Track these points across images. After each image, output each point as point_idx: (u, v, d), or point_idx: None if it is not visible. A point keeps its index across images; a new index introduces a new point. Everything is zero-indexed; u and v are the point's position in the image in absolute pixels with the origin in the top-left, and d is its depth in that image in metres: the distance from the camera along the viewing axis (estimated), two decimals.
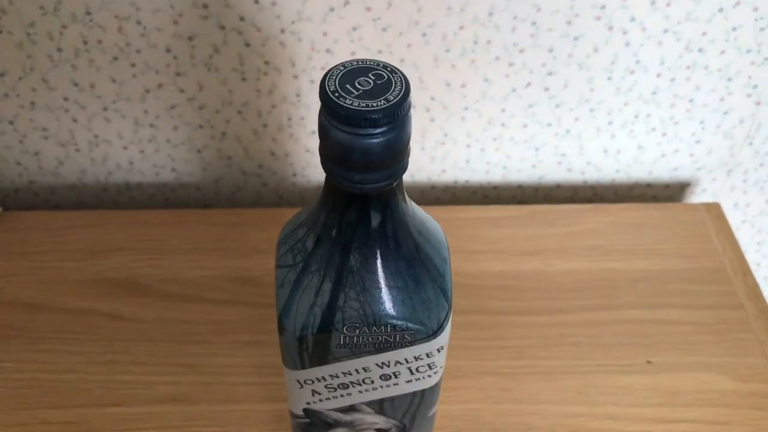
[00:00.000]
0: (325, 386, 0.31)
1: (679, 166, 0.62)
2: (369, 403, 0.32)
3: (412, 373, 0.31)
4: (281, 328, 0.29)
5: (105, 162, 0.59)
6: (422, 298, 0.28)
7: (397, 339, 0.29)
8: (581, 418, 0.47)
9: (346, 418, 0.33)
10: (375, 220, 0.26)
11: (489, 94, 0.55)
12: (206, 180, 0.60)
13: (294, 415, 0.34)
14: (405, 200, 0.28)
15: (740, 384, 0.49)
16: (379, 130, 0.23)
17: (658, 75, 0.55)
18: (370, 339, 0.29)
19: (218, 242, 0.56)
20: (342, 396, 0.32)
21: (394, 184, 0.26)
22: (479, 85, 0.55)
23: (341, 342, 0.29)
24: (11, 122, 0.56)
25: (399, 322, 0.28)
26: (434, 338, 0.29)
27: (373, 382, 0.31)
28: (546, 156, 0.60)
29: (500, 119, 0.57)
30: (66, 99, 0.54)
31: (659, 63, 0.54)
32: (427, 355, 0.30)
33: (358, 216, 0.26)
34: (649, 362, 0.50)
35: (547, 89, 0.55)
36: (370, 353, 0.29)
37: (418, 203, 0.61)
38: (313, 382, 0.31)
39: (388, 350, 0.29)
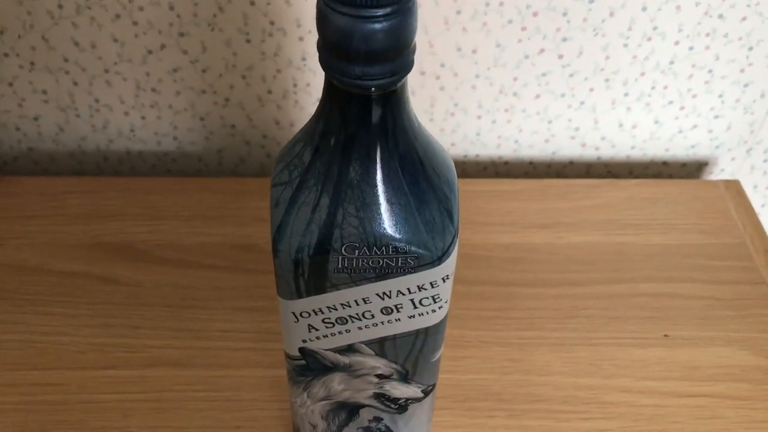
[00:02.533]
0: (323, 320, 0.29)
1: (696, 143, 0.60)
2: (369, 344, 0.30)
3: (415, 306, 0.29)
4: (275, 251, 0.27)
5: (106, 129, 0.57)
6: (426, 218, 0.26)
7: (399, 263, 0.27)
8: (594, 390, 0.45)
9: (345, 360, 0.31)
10: (377, 127, 0.25)
11: (501, 60, 0.54)
12: (209, 150, 0.59)
13: (289, 357, 0.32)
14: (410, 112, 0.26)
15: (763, 360, 0.47)
16: (381, 12, 0.21)
17: (676, 43, 0.53)
18: (370, 263, 0.27)
19: (219, 210, 0.54)
20: (340, 333, 0.30)
21: (398, 84, 0.24)
22: (491, 50, 0.53)
23: (339, 265, 0.27)
24: (11, 84, 0.54)
25: (401, 243, 0.26)
26: (439, 264, 0.27)
27: (373, 316, 0.29)
28: (559, 130, 0.58)
29: (512, 88, 0.55)
30: (66, 60, 0.53)
31: (677, 30, 0.52)
32: (432, 285, 0.28)
33: (358, 122, 0.24)
34: (666, 336, 0.48)
35: (561, 56, 0.54)
36: (370, 280, 0.27)
37: None
38: (309, 314, 0.29)
39: (390, 277, 0.27)
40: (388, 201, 0.26)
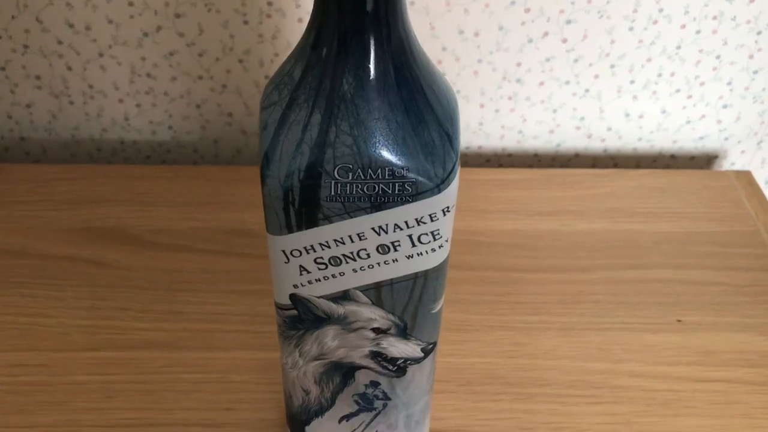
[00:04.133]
0: (315, 260, 0.27)
1: (705, 134, 0.58)
2: (365, 290, 0.28)
3: (413, 244, 0.27)
4: (263, 177, 0.25)
5: (99, 117, 0.56)
6: (425, 140, 0.25)
7: (396, 190, 0.25)
8: (604, 375, 0.43)
9: (339, 310, 0.29)
10: (371, 34, 0.23)
11: (504, 44, 0.53)
12: (205, 140, 0.57)
13: (279, 308, 0.30)
14: (407, 23, 0.24)
15: None
16: None
17: (683, 26, 0.52)
18: (364, 189, 0.25)
19: (213, 196, 0.52)
20: (334, 276, 0.28)
21: None
22: (494, 33, 0.52)
23: (332, 192, 0.25)
24: (3, 68, 0.53)
25: (398, 167, 0.24)
26: (438, 193, 0.25)
27: (369, 256, 0.27)
28: (564, 119, 0.57)
29: (515, 74, 0.54)
30: (60, 42, 0.52)
31: (683, 12, 0.51)
32: (431, 218, 0.26)
33: (351, 28, 0.23)
34: (678, 321, 0.46)
35: (565, 40, 0.52)
36: (365, 211, 0.26)
37: None
38: (300, 253, 0.27)
39: (386, 207, 0.25)
40: (385, 117, 0.24)
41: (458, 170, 0.26)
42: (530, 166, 0.59)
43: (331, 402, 0.33)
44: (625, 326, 0.45)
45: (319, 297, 0.29)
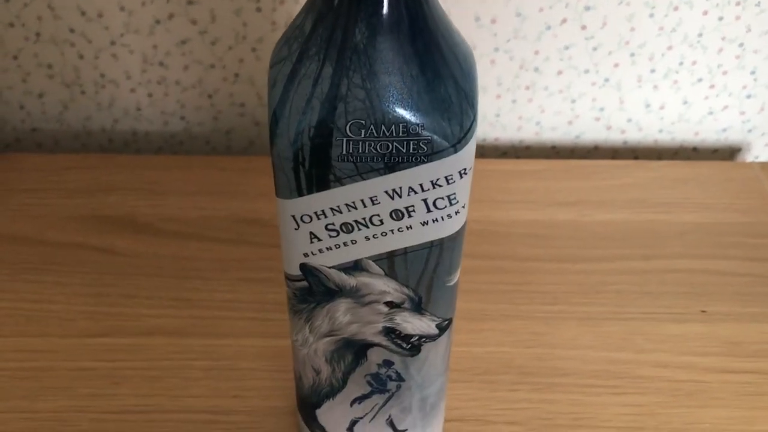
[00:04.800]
0: (326, 227, 0.26)
1: (728, 126, 0.57)
2: (378, 260, 0.27)
3: (428, 209, 0.26)
4: (272, 137, 0.24)
5: (111, 107, 0.55)
6: (441, 95, 0.24)
7: (411, 149, 0.24)
8: (627, 365, 0.41)
9: (351, 282, 0.28)
10: None
11: (521, 32, 0.51)
12: (217, 132, 0.57)
13: (289, 279, 0.28)
14: None
15: None
16: None
17: (705, 12, 0.51)
18: (377, 148, 0.24)
19: (225, 186, 0.51)
20: (345, 245, 0.27)
21: None
22: (511, 20, 0.51)
23: (344, 151, 0.24)
24: (15, 57, 0.53)
25: (412, 122, 0.23)
26: (455, 153, 0.24)
27: (382, 222, 0.26)
28: (583, 110, 0.55)
29: (533, 63, 0.53)
30: (72, 30, 0.52)
31: None
32: (447, 181, 0.25)
33: None
34: (703, 311, 0.44)
35: (584, 27, 0.51)
36: (378, 173, 0.24)
37: None
38: (311, 219, 0.26)
39: (400, 168, 0.24)
40: (399, 70, 0.23)
41: (476, 130, 0.25)
42: (548, 158, 0.58)
43: (343, 383, 0.32)
44: (649, 316, 0.44)
45: (330, 267, 0.28)
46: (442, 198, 0.26)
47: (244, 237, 0.48)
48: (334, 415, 0.33)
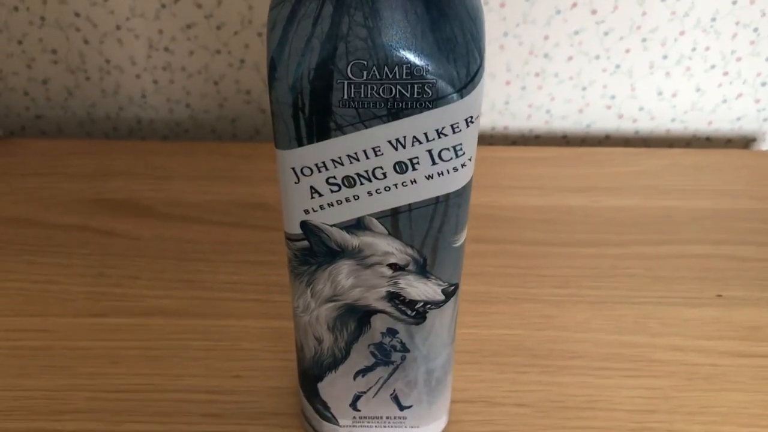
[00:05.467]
0: (327, 181, 0.25)
1: (742, 115, 0.55)
2: (381, 218, 0.26)
3: (433, 161, 0.25)
4: (271, 81, 0.23)
5: (116, 94, 0.55)
6: (446, 35, 0.23)
7: (415, 93, 0.23)
8: (640, 348, 0.40)
9: (354, 241, 0.27)
10: None
11: (531, 16, 0.51)
12: (223, 119, 0.56)
13: (289, 239, 0.27)
14: None
15: None
16: None
17: None
18: (380, 92, 0.23)
19: (230, 171, 0.51)
20: (347, 200, 0.26)
21: None
22: (520, 4, 0.50)
23: (345, 95, 0.23)
24: (20, 42, 0.53)
25: (416, 63, 0.22)
26: (461, 99, 0.23)
27: (385, 175, 0.25)
28: (594, 98, 0.54)
29: (543, 48, 0.52)
30: (77, 15, 0.51)
31: None
32: (453, 129, 0.24)
33: None
34: (719, 296, 0.43)
35: (594, 12, 0.50)
36: (381, 120, 0.23)
37: None
38: (311, 171, 0.25)
39: (404, 115, 0.23)
40: (402, 7, 0.22)
41: (483, 77, 0.24)
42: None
43: (346, 353, 0.31)
44: (663, 300, 0.42)
45: (331, 225, 0.27)
46: (448, 149, 0.25)
47: (247, 221, 0.47)
48: (336, 389, 0.32)
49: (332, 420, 0.33)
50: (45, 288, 0.43)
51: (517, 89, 0.54)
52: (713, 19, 0.51)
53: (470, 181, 0.26)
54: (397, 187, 0.25)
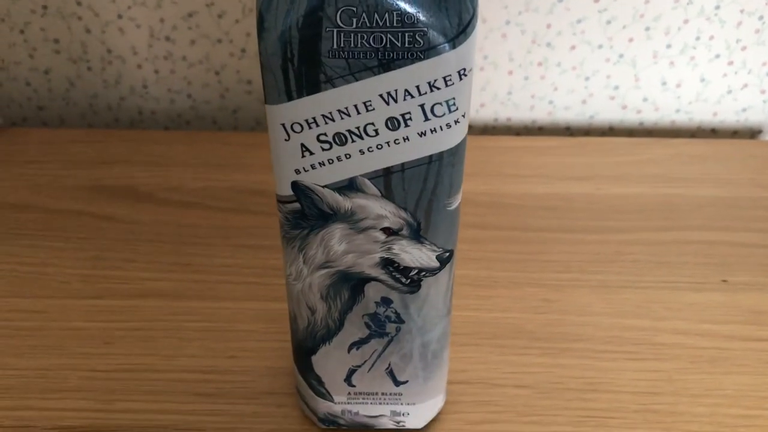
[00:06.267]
0: (318, 138, 0.25)
1: (748, 106, 0.55)
2: (374, 179, 0.26)
3: (426, 117, 0.24)
4: (260, 32, 0.23)
5: (118, 84, 0.55)
6: None
7: (406, 42, 0.23)
8: (644, 332, 0.39)
9: (346, 203, 0.27)
10: None
11: (533, 4, 0.50)
12: (224, 111, 0.56)
13: (281, 202, 0.27)
14: None
15: None
16: None
17: None
18: (371, 41, 0.22)
19: (230, 159, 0.50)
20: (339, 159, 0.25)
21: None
22: None
23: (334, 44, 0.23)
24: (22, 31, 0.53)
25: (406, 11, 0.22)
26: (453, 50, 0.23)
27: (377, 132, 0.25)
28: (597, 88, 0.54)
29: (545, 37, 0.52)
30: (79, 3, 0.51)
31: None
32: (446, 82, 0.23)
33: None
34: (724, 281, 0.42)
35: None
36: (371, 72, 0.23)
37: None
38: (302, 127, 0.25)
39: (395, 67, 0.23)
40: None
41: (476, 27, 0.23)
42: None
43: (340, 323, 0.30)
44: (667, 285, 0.42)
45: (323, 186, 0.26)
46: (441, 104, 0.24)
47: (247, 206, 0.47)
48: (330, 362, 0.31)
49: (327, 396, 0.33)
50: (41, 270, 0.42)
51: (519, 79, 0.54)
52: (717, 7, 0.50)
53: (464, 140, 0.26)
54: (389, 145, 0.25)
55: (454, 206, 0.27)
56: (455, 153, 0.26)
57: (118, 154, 0.51)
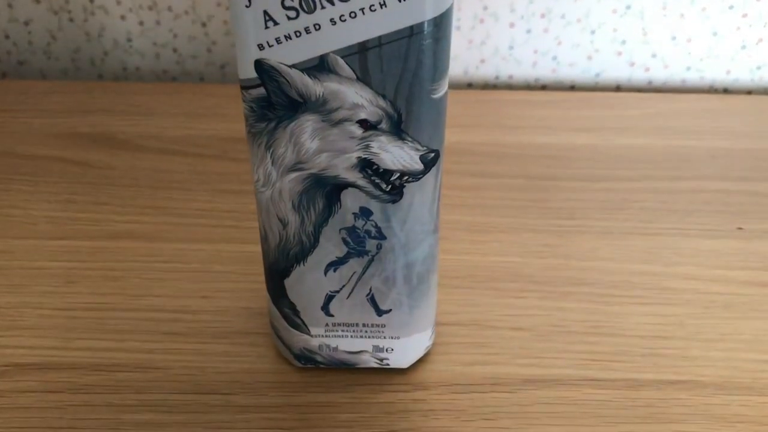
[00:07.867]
0: (283, 4, 0.22)
1: (763, 63, 0.52)
2: (348, 57, 0.23)
3: None
4: None
5: (101, 37, 0.52)
6: None
7: None
8: (653, 277, 0.36)
9: (317, 89, 0.24)
10: None
11: None
12: (211, 66, 0.53)
13: (244, 88, 0.24)
14: None
15: None
16: None
17: None
18: None
19: (214, 109, 0.48)
20: (308, 31, 0.22)
21: None
22: None
23: None
24: None
25: None
26: None
27: None
28: (603, 43, 0.51)
29: None
30: None
31: None
32: None
33: None
34: (739, 228, 0.39)
35: None
36: None
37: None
38: None
39: None
40: None
41: None
42: None
43: (314, 239, 0.27)
44: (678, 232, 0.39)
45: (291, 66, 0.23)
46: None
47: (228, 154, 0.44)
48: (305, 286, 0.28)
49: (302, 328, 0.30)
50: (7, 212, 0.40)
51: (521, 32, 0.51)
52: None
53: (450, 10, 0.23)
54: (363, 13, 0.22)
55: (439, 94, 0.24)
56: (439, 24, 0.23)
57: (97, 103, 0.48)
